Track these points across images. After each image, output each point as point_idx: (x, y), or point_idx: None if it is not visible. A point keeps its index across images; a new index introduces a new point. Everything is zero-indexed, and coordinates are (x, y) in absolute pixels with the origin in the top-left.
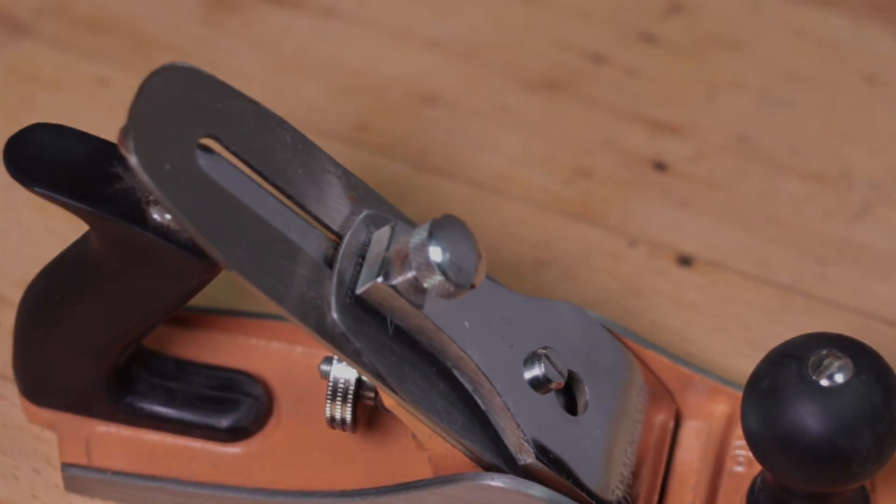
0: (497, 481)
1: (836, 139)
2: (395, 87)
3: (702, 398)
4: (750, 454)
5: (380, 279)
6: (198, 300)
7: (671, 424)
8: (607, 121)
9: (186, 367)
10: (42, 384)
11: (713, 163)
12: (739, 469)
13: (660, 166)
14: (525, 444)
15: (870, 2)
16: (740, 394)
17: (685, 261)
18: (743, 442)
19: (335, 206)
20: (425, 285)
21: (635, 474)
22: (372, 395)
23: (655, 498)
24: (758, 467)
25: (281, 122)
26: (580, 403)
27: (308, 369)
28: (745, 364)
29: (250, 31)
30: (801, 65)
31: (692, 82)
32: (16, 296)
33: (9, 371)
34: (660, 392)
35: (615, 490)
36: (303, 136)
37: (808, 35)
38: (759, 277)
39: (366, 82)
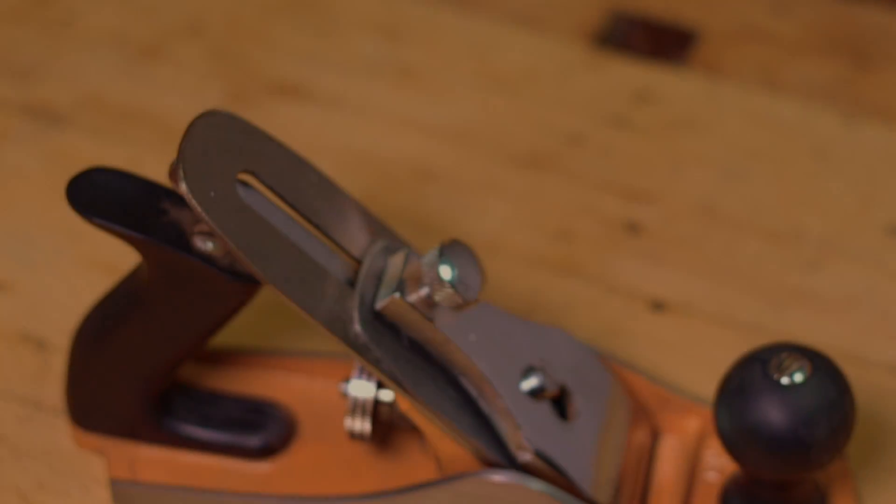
0: (501, 476)
1: (789, 204)
2: (397, 165)
3: (676, 415)
4: (721, 463)
5: (397, 294)
6: (226, 339)
7: (650, 439)
8: (585, 190)
9: (217, 396)
10: (92, 410)
11: (681, 225)
12: (712, 475)
13: (633, 227)
14: (525, 443)
15: (815, 88)
16: (710, 411)
17: (658, 306)
18: (715, 451)
19: (355, 237)
20: (436, 299)
21: (619, 484)
22: (388, 404)
23: None
24: (727, 474)
25: (308, 164)
26: (571, 411)
27: (327, 397)
28: (713, 389)
29: (267, 120)
30: (755, 143)
31: (660, 159)
32: (63, 342)
33: (60, 403)
34: (639, 410)
35: (605, 489)
36: (327, 178)
37: (761, 117)
38: (724, 320)
39: (371, 162)
